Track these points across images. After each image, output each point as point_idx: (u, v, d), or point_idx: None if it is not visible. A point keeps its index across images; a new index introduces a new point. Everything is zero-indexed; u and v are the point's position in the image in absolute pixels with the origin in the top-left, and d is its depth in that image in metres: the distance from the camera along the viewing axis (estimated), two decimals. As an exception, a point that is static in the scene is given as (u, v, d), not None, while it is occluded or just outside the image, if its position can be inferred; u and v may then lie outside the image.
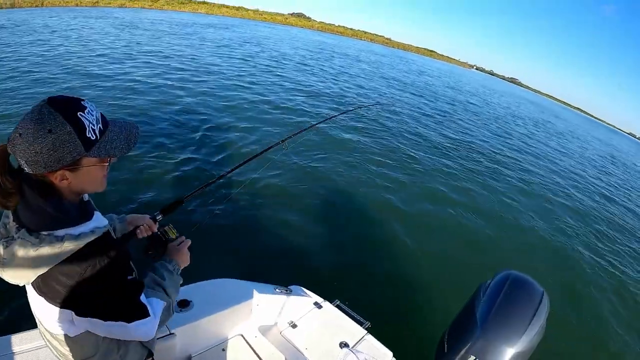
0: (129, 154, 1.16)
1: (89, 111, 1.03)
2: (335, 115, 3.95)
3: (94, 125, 1.03)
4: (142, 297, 1.20)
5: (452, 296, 2.06)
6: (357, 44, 49.11)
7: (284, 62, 18.84)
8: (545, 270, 5.85)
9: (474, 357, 1.62)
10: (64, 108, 0.98)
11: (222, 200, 4.59)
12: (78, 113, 1.00)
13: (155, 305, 1.27)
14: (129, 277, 1.18)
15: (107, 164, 1.13)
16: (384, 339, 2.17)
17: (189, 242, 1.59)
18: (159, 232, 1.60)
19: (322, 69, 19.62)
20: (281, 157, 5.83)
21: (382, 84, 20.05)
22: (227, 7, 48.26)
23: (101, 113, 1.09)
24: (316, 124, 3.31)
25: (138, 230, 1.60)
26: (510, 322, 1.63)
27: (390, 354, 2.13)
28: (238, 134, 7.51)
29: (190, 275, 1.99)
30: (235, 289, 2.20)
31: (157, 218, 1.70)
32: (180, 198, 1.84)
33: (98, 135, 1.05)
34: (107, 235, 1.15)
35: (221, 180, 2.19)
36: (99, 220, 1.16)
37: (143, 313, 1.19)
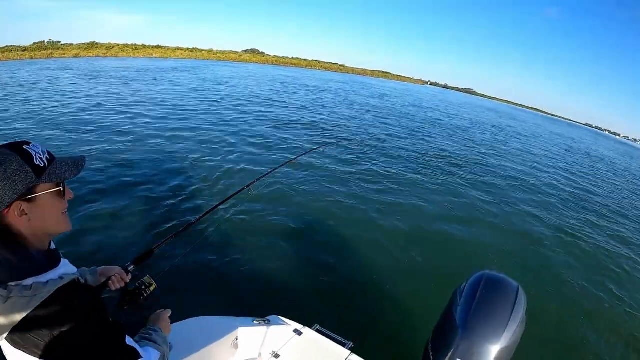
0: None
1: (33, 145, 1.06)
2: (299, 156, 4.20)
3: (40, 154, 1.05)
4: (129, 340, 1.17)
5: (432, 305, 2.08)
6: (316, 74, 49.90)
7: (256, 99, 18.90)
8: (518, 266, 6.00)
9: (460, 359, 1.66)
10: (9, 144, 1.01)
11: (193, 242, 4.50)
12: (23, 146, 1.03)
13: (152, 352, 1.26)
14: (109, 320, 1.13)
15: (63, 194, 1.13)
16: (369, 357, 2.17)
17: (169, 311, 1.58)
18: (137, 284, 1.60)
19: (296, 102, 19.87)
20: (250, 199, 5.84)
21: (354, 111, 20.40)
22: (182, 49, 48.22)
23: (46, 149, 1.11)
24: (277, 168, 3.44)
25: (110, 282, 1.55)
26: (490, 320, 1.67)
27: None
28: (212, 173, 7.53)
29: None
30: (214, 325, 2.16)
31: (129, 269, 1.68)
32: (151, 248, 1.84)
33: (46, 163, 1.06)
34: (77, 281, 1.13)
35: (191, 226, 2.21)
36: (67, 267, 1.14)
37: (134, 355, 1.15)
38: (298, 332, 2.35)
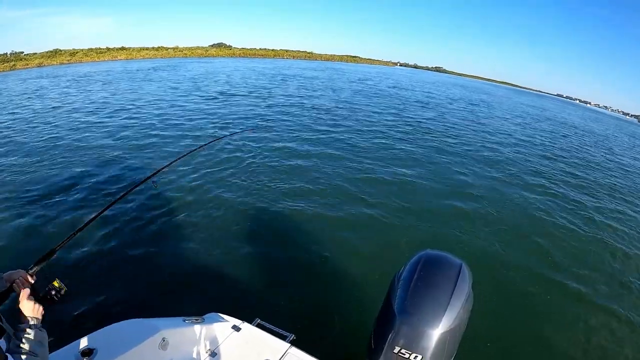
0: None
1: None
2: (207, 144, 3.84)
3: None
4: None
5: (377, 293, 2.01)
6: (287, 63, 49.29)
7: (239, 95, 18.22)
8: (475, 241, 5.75)
9: (399, 348, 1.58)
10: None
11: (110, 240, 4.43)
12: None
13: None
14: None
15: None
16: (310, 349, 2.11)
17: (27, 290, 1.46)
18: (47, 288, 1.52)
19: (275, 93, 19.20)
20: (162, 187, 5.70)
21: (344, 96, 20.32)
22: (147, 49, 46.99)
23: None
24: (185, 154, 3.21)
25: (14, 285, 1.50)
26: (428, 304, 1.59)
27: None
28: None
29: (94, 322, 1.88)
30: (142, 328, 2.05)
31: (32, 271, 1.61)
32: (52, 248, 1.75)
33: None
34: None
35: (97, 221, 2.08)
36: None
37: None
38: (237, 328, 2.29)
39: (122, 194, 2.26)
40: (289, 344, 2.18)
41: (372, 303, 2.06)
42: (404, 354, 1.57)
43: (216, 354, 2.17)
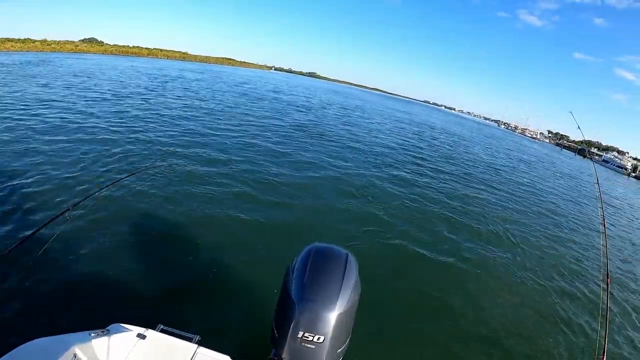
0: None
1: None
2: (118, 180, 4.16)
3: None
4: None
5: (273, 286, 2.14)
6: (164, 64, 46.84)
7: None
8: (353, 234, 6.38)
9: (303, 332, 1.74)
10: None
11: (13, 270, 3.97)
12: None
13: None
14: None
15: None
16: (218, 347, 2.17)
17: None
18: None
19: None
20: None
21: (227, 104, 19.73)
22: (13, 40, 40.95)
23: None
24: (100, 190, 3.33)
25: None
26: (323, 290, 1.78)
27: (227, 358, 2.14)
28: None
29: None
30: (47, 347, 1.93)
31: None
32: None
33: None
34: None
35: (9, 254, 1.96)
36: None
37: None
38: (141, 336, 2.24)
39: (37, 228, 2.14)
40: (197, 345, 2.21)
41: (269, 295, 2.20)
42: (308, 337, 1.72)
43: None
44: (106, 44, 58.72)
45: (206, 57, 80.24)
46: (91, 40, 59.85)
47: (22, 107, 11.70)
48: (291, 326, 1.73)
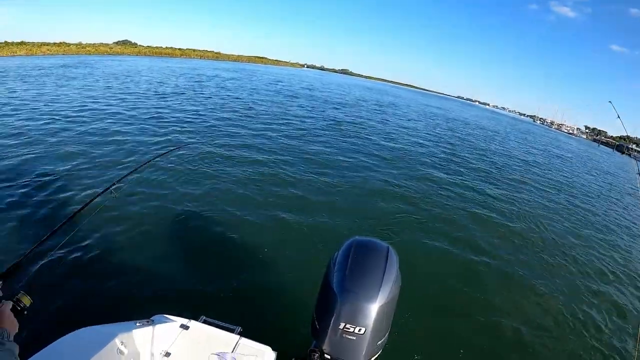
0: None
1: None
2: (152, 158, 4.26)
3: None
4: None
5: (314, 278, 2.17)
6: (198, 64, 47.69)
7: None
8: (389, 227, 6.46)
9: (344, 323, 1.77)
10: None
11: (64, 251, 4.24)
12: None
13: None
14: None
15: None
16: (259, 338, 2.22)
17: (9, 304, 1.48)
18: (13, 301, 1.52)
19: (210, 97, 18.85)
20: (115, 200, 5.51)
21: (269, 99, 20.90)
22: (48, 44, 42.56)
23: None
24: (138, 167, 3.56)
25: None
26: (365, 282, 1.80)
27: (269, 348, 2.19)
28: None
29: (42, 338, 1.85)
30: (95, 337, 2.02)
31: None
32: (17, 260, 1.80)
33: None
34: None
35: (57, 235, 2.07)
36: None
37: None
38: (185, 327, 2.32)
39: (83, 204, 2.24)
40: (239, 336, 2.26)
41: (309, 288, 2.24)
42: (349, 329, 1.75)
43: (170, 353, 2.20)
44: (139, 45, 60.17)
45: (239, 56, 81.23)
46: (125, 42, 61.54)
47: (71, 104, 12.51)
48: (333, 317, 1.76)
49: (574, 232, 8.54)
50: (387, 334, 1.92)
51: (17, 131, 8.95)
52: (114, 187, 2.76)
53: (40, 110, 11.31)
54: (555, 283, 5.77)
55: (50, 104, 12.39)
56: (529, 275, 5.81)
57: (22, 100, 12.60)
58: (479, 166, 13.61)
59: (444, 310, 4.51)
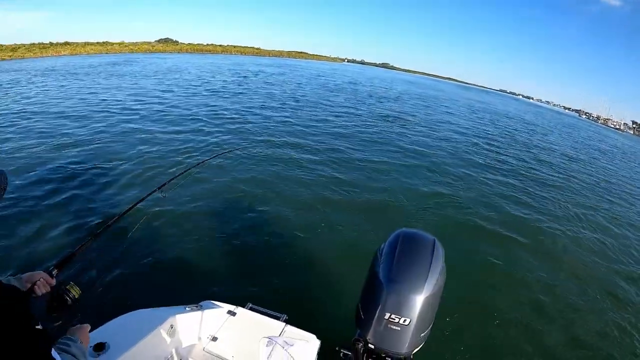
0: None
1: None
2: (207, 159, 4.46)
3: None
4: (54, 353, 1.14)
5: (357, 268, 2.20)
6: (240, 60, 48.61)
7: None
8: (435, 219, 6.58)
9: (389, 313, 1.79)
10: None
11: (116, 242, 4.47)
12: None
13: None
14: (37, 327, 1.11)
15: None
16: (304, 326, 2.26)
17: (89, 326, 1.55)
18: (61, 291, 1.57)
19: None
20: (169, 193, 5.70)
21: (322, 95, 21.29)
22: (92, 44, 44.35)
23: None
24: (188, 169, 3.67)
25: (36, 287, 1.49)
26: (411, 273, 1.80)
27: (314, 336, 2.23)
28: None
29: (101, 316, 2.00)
30: (148, 318, 2.14)
31: (53, 273, 1.63)
32: (72, 251, 1.84)
33: None
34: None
35: (110, 227, 2.20)
36: None
37: None
38: (232, 313, 2.40)
39: (134, 203, 2.38)
40: (284, 323, 2.33)
41: (355, 278, 2.27)
42: (394, 319, 1.75)
43: (217, 338, 2.30)
44: (181, 43, 61.62)
45: (279, 51, 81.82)
46: (166, 40, 63.18)
47: (126, 100, 13.48)
48: (378, 308, 1.78)
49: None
50: (431, 326, 1.92)
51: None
52: (170, 182, 2.91)
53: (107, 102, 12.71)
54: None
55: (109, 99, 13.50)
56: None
57: (97, 93, 14.21)
58: (529, 160, 13.46)
59: (490, 314, 4.46)
